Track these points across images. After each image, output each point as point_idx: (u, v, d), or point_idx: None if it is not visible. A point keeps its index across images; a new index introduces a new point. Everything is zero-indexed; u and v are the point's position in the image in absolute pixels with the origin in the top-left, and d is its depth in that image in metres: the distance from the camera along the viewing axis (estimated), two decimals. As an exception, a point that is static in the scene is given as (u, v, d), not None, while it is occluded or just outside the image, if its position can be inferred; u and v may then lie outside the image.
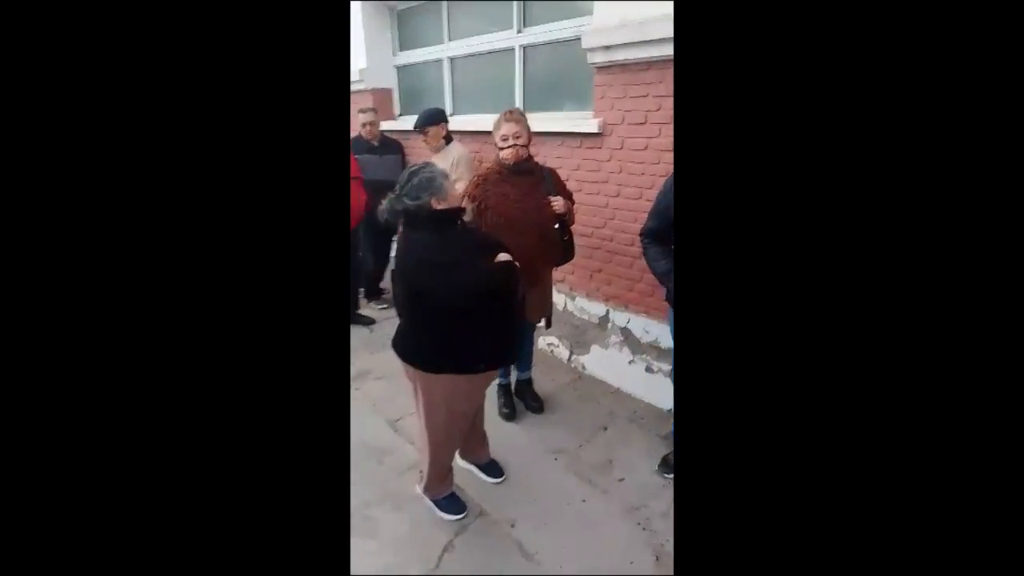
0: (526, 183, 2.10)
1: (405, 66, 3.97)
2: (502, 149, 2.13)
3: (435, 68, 3.68)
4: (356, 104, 3.88)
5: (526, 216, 2.04)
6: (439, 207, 1.57)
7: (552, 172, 2.20)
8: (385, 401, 2.57)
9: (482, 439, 1.99)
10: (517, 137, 2.09)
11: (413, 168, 1.59)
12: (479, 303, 1.51)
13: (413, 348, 1.65)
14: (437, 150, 2.79)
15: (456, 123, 3.31)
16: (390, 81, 4.06)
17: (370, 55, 3.90)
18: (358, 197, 3.05)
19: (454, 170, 2.72)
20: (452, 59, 3.50)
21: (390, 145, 3.62)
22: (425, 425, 1.75)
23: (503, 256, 1.57)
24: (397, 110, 4.13)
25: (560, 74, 2.85)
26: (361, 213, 3.11)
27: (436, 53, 3.58)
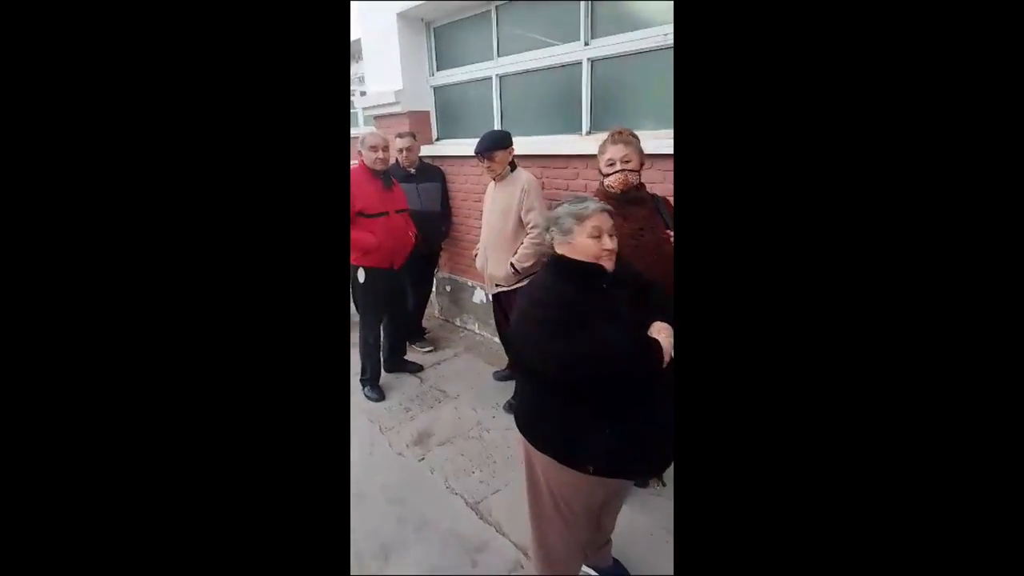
0: (638, 215, 1.75)
1: (442, 87, 3.67)
2: (607, 175, 1.79)
3: (477, 88, 3.37)
4: (392, 129, 3.57)
5: (642, 255, 1.67)
6: (560, 251, 1.23)
7: (665, 201, 1.85)
8: (458, 474, 2.17)
9: (606, 539, 1.58)
10: (626, 161, 1.75)
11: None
12: (599, 382, 1.13)
13: (521, 411, 1.31)
14: (501, 177, 2.45)
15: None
16: (427, 103, 3.76)
17: (406, 75, 3.60)
18: (406, 232, 2.70)
19: (524, 200, 2.38)
20: (502, 77, 3.19)
21: (429, 172, 3.30)
22: (531, 512, 1.38)
23: (659, 326, 1.19)
24: (435, 134, 3.82)
25: (635, 89, 2.53)
26: (410, 250, 2.76)
27: (482, 71, 3.27)
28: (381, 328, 2.86)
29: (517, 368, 1.36)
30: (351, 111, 6.75)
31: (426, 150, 3.63)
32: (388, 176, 2.62)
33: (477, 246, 2.76)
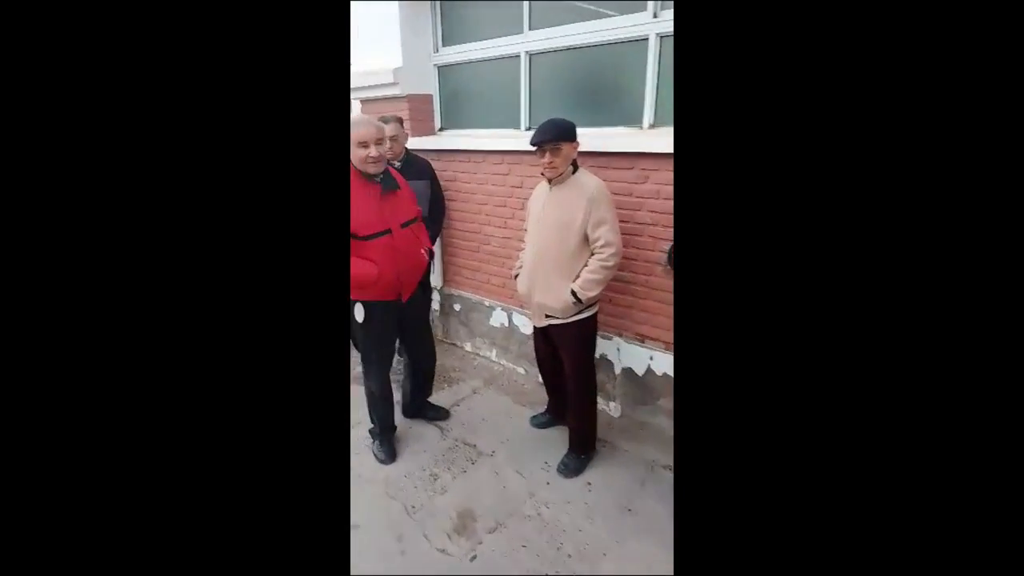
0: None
1: (449, 66, 3.05)
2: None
3: (496, 68, 2.79)
4: (389, 114, 2.93)
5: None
6: None
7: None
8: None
9: None
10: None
11: None
12: None
13: None
14: (560, 180, 1.90)
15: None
16: (429, 85, 3.13)
17: (406, 50, 2.96)
18: (416, 250, 2.06)
19: (592, 211, 1.84)
20: (533, 55, 2.62)
21: (417, 167, 2.67)
22: None
23: None
24: (438, 123, 3.20)
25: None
26: (422, 274, 2.15)
27: (506, 47, 2.69)
28: (404, 370, 2.25)
29: None
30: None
31: (425, 142, 3.01)
32: (389, 177, 1.96)
33: (517, 265, 2.21)
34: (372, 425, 2.26)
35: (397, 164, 2.57)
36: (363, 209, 1.88)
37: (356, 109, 3.31)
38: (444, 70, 3.09)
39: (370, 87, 3.10)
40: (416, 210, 2.09)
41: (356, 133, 1.83)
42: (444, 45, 3.05)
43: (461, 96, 3.08)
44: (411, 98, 3.03)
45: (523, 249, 2.23)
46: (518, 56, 2.66)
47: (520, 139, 2.64)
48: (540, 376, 2.39)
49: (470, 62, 2.93)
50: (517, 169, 2.62)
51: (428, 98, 3.13)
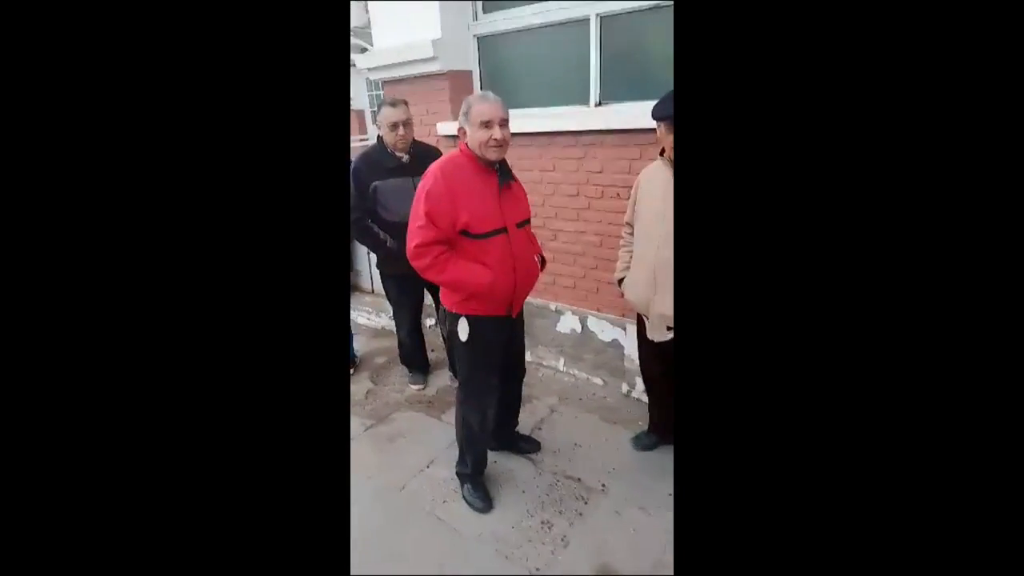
0: None
1: (491, 36, 2.65)
2: None
3: (553, 36, 2.41)
4: (427, 95, 2.52)
5: None
6: None
7: None
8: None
9: None
10: None
11: None
12: None
13: None
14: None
15: (608, 117, 2.11)
16: (468, 60, 2.72)
17: (445, 20, 2.54)
18: (531, 256, 1.69)
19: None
20: (604, 18, 2.25)
21: (428, 158, 2.20)
22: None
23: None
24: (479, 103, 2.80)
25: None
26: (534, 284, 1.78)
27: (570, 9, 2.31)
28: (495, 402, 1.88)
29: None
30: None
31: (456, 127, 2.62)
32: (505, 167, 1.59)
33: (620, 266, 1.87)
34: (462, 466, 1.89)
35: (405, 158, 2.19)
36: (480, 201, 1.51)
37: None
38: (485, 41, 2.69)
39: (399, 64, 2.67)
40: (528, 210, 1.72)
41: (478, 111, 1.47)
42: (484, 12, 2.64)
43: (506, 71, 2.69)
44: (452, 76, 2.62)
45: (624, 246, 1.89)
46: (587, 19, 2.28)
47: (593, 116, 2.28)
48: (647, 395, 2.07)
49: (519, 30, 2.53)
50: (595, 152, 2.26)
51: (468, 75, 2.73)
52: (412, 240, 1.53)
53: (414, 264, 1.56)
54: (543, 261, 1.77)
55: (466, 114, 1.50)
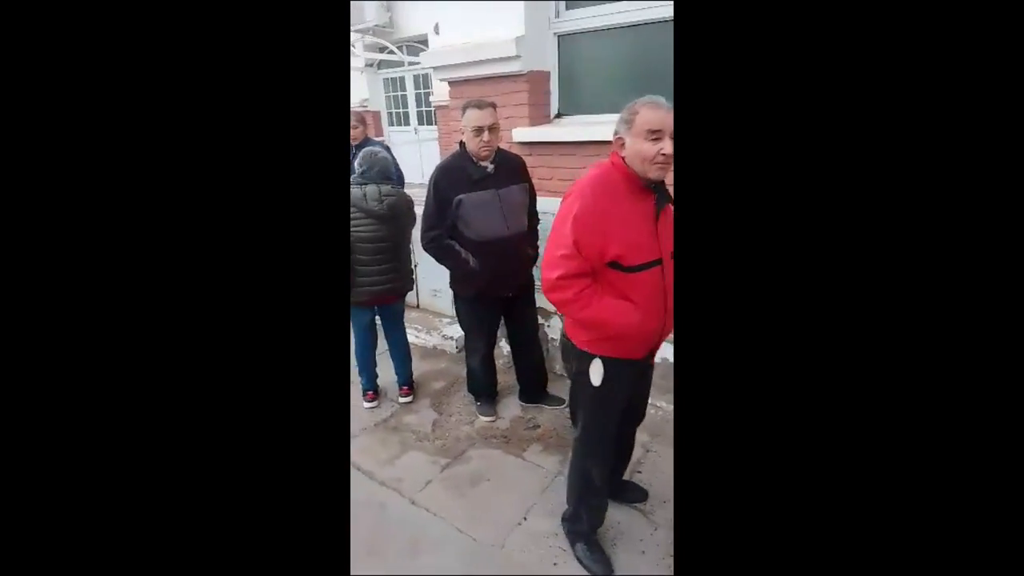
0: None
1: (574, 35, 2.43)
2: None
3: (643, 35, 2.19)
4: (501, 98, 2.29)
5: None
6: None
7: None
8: None
9: None
10: None
11: None
12: None
13: None
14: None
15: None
16: (548, 61, 2.50)
17: (529, 17, 2.31)
18: (668, 292, 1.46)
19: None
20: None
21: (510, 167, 2.06)
22: None
23: None
24: (554, 108, 2.57)
25: None
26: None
27: (663, 8, 2.09)
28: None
29: None
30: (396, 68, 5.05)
31: (535, 133, 2.39)
32: (663, 188, 1.35)
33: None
34: (576, 523, 1.66)
35: (490, 168, 1.98)
36: (635, 229, 1.28)
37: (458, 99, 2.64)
38: (565, 40, 2.46)
39: (476, 63, 2.44)
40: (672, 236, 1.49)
41: (646, 118, 1.22)
42: (567, 9, 2.42)
43: (584, 73, 2.47)
44: (532, 77, 2.40)
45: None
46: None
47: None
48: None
49: (600, 30, 2.31)
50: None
51: (547, 76, 2.50)
52: (553, 270, 1.29)
53: (550, 297, 1.33)
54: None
55: (628, 121, 1.26)
